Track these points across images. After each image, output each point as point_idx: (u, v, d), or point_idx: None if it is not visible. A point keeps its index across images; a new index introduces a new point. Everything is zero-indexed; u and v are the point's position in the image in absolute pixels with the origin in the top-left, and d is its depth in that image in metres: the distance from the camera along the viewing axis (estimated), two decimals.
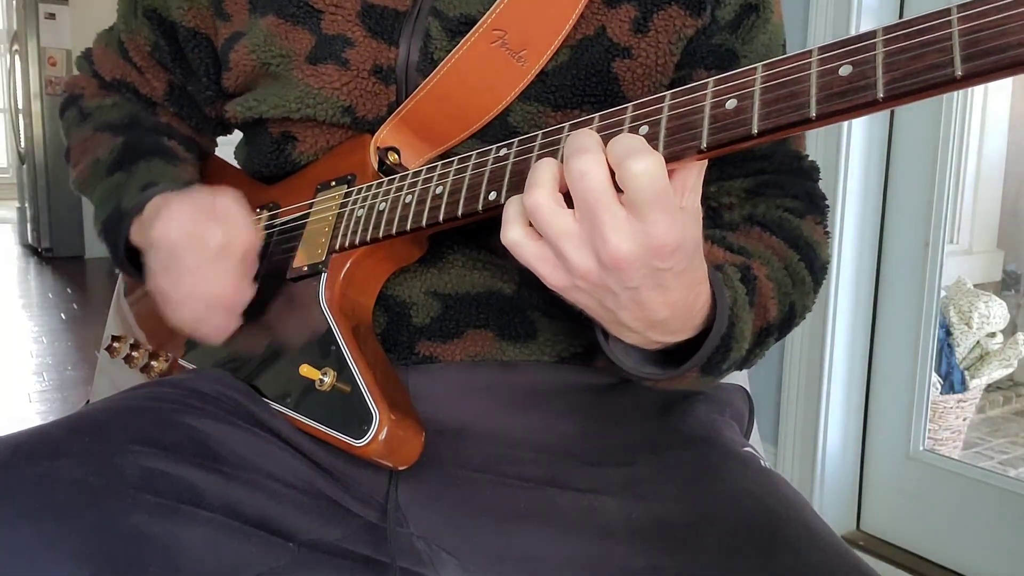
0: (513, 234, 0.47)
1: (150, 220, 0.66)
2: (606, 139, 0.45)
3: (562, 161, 0.45)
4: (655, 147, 0.45)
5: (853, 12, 1.45)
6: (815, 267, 0.63)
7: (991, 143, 2.34)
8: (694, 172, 0.46)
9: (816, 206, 0.67)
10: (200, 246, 0.62)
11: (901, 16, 1.48)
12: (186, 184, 0.72)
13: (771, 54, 0.67)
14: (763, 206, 0.65)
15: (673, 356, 0.54)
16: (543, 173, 0.46)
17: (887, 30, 0.38)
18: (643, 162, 0.42)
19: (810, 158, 0.70)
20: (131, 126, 0.79)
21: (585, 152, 0.44)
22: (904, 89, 0.37)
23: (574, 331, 0.66)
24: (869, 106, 0.38)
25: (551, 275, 0.47)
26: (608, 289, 0.46)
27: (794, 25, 1.52)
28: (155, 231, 0.64)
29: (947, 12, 0.37)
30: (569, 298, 0.49)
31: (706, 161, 0.46)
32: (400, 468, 0.59)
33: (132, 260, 0.73)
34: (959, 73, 0.36)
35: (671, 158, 0.44)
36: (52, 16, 5.01)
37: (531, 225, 0.46)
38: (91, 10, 4.69)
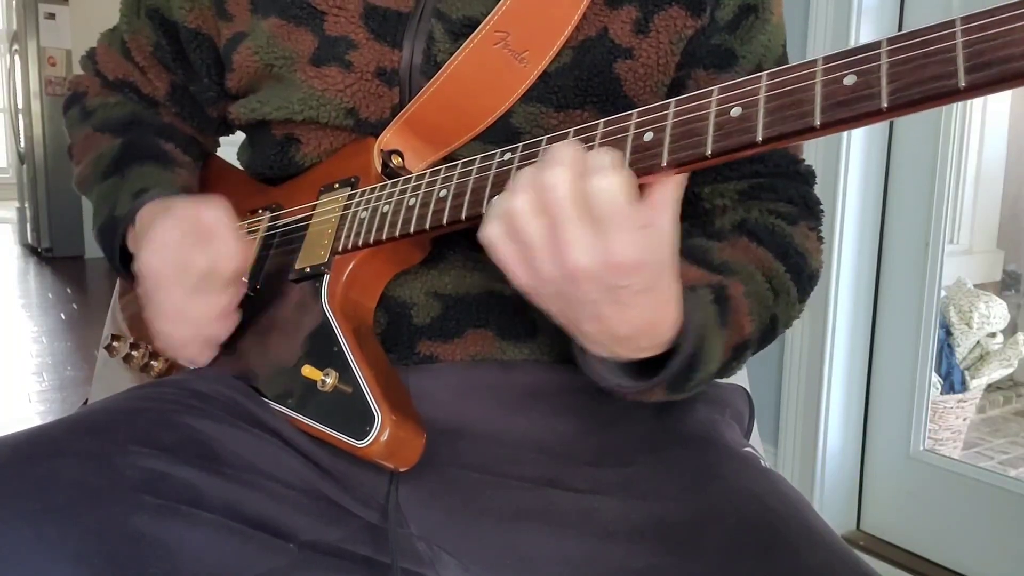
0: (490, 232, 0.49)
1: (142, 234, 0.66)
2: (612, 143, 0.46)
3: None
4: (659, 153, 0.45)
5: (853, 16, 1.45)
6: (802, 277, 0.63)
7: (991, 143, 2.34)
8: (671, 189, 0.47)
9: (811, 212, 0.67)
10: (184, 275, 0.62)
11: (901, 19, 1.48)
12: (180, 190, 0.72)
13: (770, 54, 0.67)
14: (756, 211, 0.65)
15: (647, 367, 0.55)
16: (525, 179, 0.47)
17: (891, 41, 0.39)
18: (605, 179, 0.44)
19: (807, 162, 0.70)
20: (131, 127, 0.79)
21: (556, 165, 0.45)
22: (908, 99, 0.37)
23: None
24: (873, 115, 0.39)
25: (519, 276, 0.49)
26: (569, 299, 0.48)
27: (794, 29, 1.52)
28: (141, 261, 0.64)
29: (951, 24, 0.37)
30: (536, 302, 0.50)
31: (684, 178, 0.47)
32: (401, 470, 0.59)
33: (128, 265, 0.73)
34: (963, 84, 0.36)
35: (675, 164, 0.45)
36: (52, 16, 5.01)
37: (510, 229, 0.48)
38: (91, 10, 4.69)
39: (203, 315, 0.63)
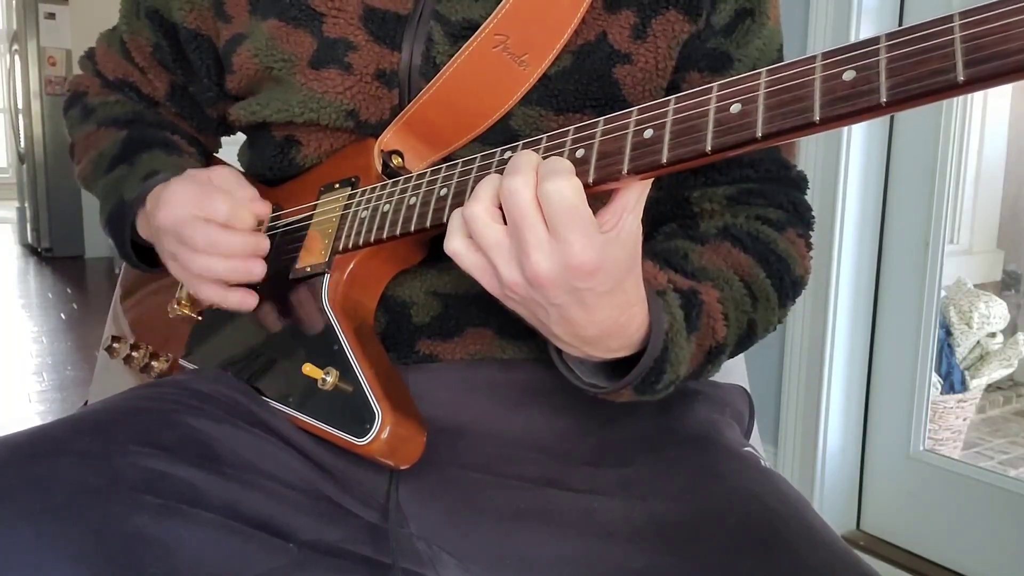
0: (454, 244, 0.50)
1: (153, 210, 0.66)
2: (613, 140, 0.47)
3: None
4: (659, 150, 0.45)
5: (853, 14, 1.45)
6: (784, 283, 0.63)
7: (991, 143, 2.34)
8: (634, 194, 0.48)
9: (800, 218, 0.67)
10: (207, 221, 0.63)
11: (901, 18, 1.48)
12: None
13: (765, 58, 0.67)
14: (742, 216, 0.65)
15: (622, 367, 0.55)
16: (484, 188, 0.49)
17: (890, 36, 0.39)
18: (555, 183, 0.45)
19: (799, 168, 0.70)
20: (134, 121, 0.79)
21: (517, 172, 0.47)
22: (907, 94, 0.37)
23: None
24: (872, 111, 0.39)
25: (488, 283, 0.50)
26: (537, 303, 0.49)
27: (794, 28, 1.52)
28: (159, 217, 0.64)
29: (950, 19, 0.37)
30: (507, 306, 0.51)
31: (648, 183, 0.48)
32: (402, 467, 0.59)
33: (139, 254, 0.73)
34: (961, 78, 0.36)
35: (675, 160, 0.45)
36: (52, 16, 5.01)
37: (471, 237, 0.49)
38: (91, 10, 4.68)
39: (235, 247, 0.64)
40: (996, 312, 1.97)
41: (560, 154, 0.49)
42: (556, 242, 0.46)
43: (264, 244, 0.66)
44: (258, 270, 0.65)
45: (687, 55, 0.64)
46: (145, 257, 0.73)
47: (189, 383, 0.64)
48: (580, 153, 0.49)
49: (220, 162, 0.85)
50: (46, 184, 5.17)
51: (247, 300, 0.66)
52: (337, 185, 0.67)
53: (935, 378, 1.79)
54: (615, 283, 0.48)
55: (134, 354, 0.78)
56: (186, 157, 0.76)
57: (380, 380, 0.58)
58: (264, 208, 0.67)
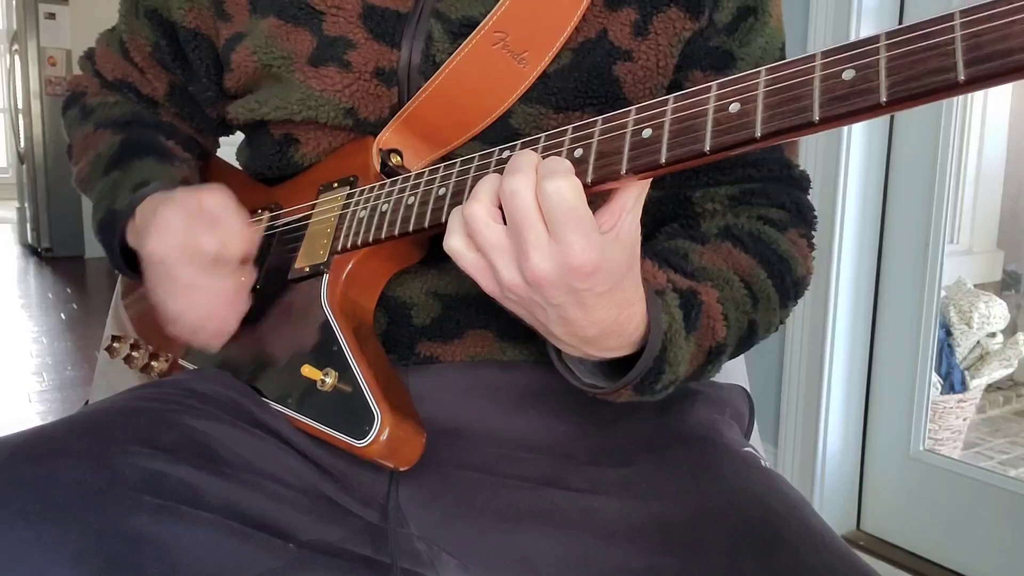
0: (454, 243, 0.50)
1: (143, 226, 0.65)
2: (611, 140, 0.46)
3: None
4: (657, 150, 0.45)
5: (853, 14, 1.45)
6: (785, 283, 0.63)
7: (991, 143, 2.34)
8: (633, 194, 0.48)
9: (803, 218, 0.67)
10: (194, 258, 0.62)
11: (901, 18, 1.48)
12: (180, 183, 0.72)
13: (768, 56, 0.67)
14: (744, 216, 0.65)
15: (621, 367, 0.55)
16: (484, 187, 0.49)
17: (890, 35, 0.39)
18: (555, 183, 0.45)
19: (801, 167, 0.70)
20: (131, 124, 0.79)
21: (517, 172, 0.47)
22: (907, 93, 0.37)
23: None
24: (872, 110, 0.38)
25: (486, 284, 0.50)
26: (536, 304, 0.49)
27: (794, 27, 1.52)
28: (148, 247, 0.63)
29: (950, 17, 0.37)
30: (505, 307, 0.51)
31: (646, 183, 0.48)
32: (401, 469, 0.59)
33: (128, 261, 0.73)
34: (962, 78, 0.36)
35: (674, 160, 0.45)
36: (52, 16, 5.01)
37: (471, 236, 0.49)
38: (91, 10, 4.69)
39: (216, 294, 0.63)
40: (996, 312, 1.97)
41: (558, 153, 0.49)
42: (555, 243, 0.46)
43: (246, 285, 0.65)
44: (233, 322, 0.65)
45: (689, 53, 0.64)
46: (134, 263, 0.73)
47: (189, 383, 0.64)
48: (578, 153, 0.48)
49: (219, 162, 0.85)
50: (46, 184, 5.17)
51: (215, 341, 0.66)
52: (336, 184, 0.66)
53: (935, 378, 1.79)
54: (614, 283, 0.48)
55: (134, 354, 0.78)
56: (179, 165, 0.76)
57: (379, 381, 0.58)
58: (254, 236, 0.65)
